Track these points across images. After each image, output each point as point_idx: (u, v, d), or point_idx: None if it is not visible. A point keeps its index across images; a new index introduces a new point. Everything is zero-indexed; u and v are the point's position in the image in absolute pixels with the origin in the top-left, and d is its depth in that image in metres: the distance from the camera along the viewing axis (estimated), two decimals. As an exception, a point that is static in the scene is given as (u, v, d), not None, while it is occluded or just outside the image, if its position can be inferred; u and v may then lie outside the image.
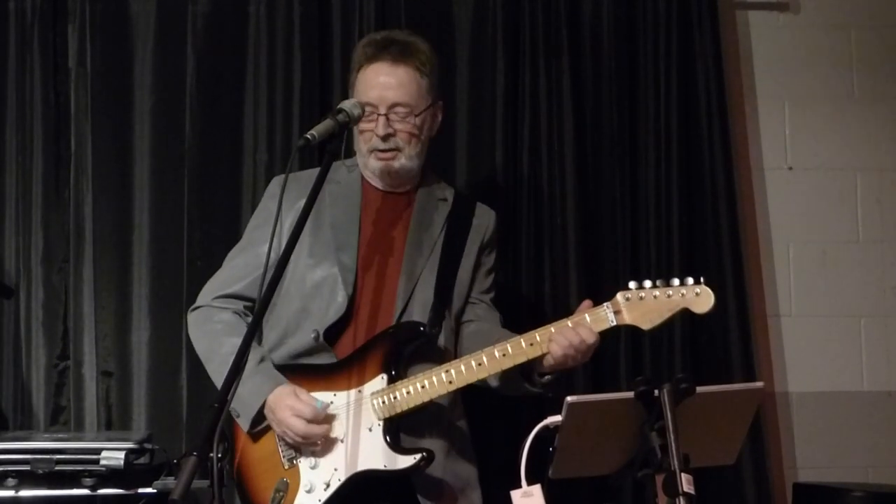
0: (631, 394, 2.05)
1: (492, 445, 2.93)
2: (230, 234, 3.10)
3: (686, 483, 1.93)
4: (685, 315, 2.40)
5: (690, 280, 2.37)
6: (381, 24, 3.26)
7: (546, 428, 2.14)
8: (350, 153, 2.69)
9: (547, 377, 2.46)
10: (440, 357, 2.51)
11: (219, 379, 2.49)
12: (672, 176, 3.35)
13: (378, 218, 2.60)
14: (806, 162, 3.56)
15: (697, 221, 3.37)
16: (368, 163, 2.57)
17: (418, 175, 2.64)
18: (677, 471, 1.94)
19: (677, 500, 1.92)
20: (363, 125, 2.53)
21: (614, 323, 2.40)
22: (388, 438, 2.39)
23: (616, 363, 3.28)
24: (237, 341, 2.22)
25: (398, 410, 2.40)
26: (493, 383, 2.53)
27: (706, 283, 2.37)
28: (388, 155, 2.54)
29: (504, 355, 2.40)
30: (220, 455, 2.37)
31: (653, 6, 3.40)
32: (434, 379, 2.40)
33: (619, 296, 2.40)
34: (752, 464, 3.28)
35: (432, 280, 2.55)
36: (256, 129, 3.29)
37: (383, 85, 2.50)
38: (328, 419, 2.40)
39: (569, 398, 2.08)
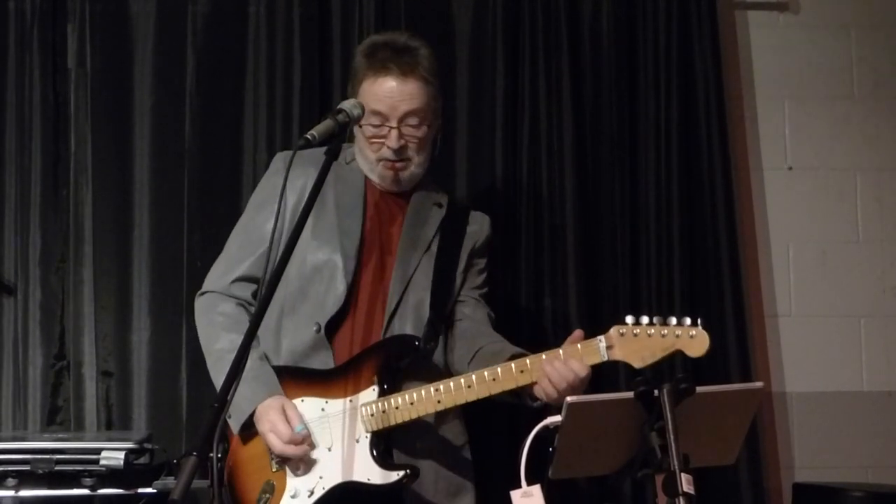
0: (631, 394, 2.05)
1: (491, 445, 2.92)
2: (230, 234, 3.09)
3: (686, 483, 1.93)
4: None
5: (688, 320, 2.30)
6: (381, 24, 3.26)
7: (546, 428, 2.13)
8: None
9: (538, 402, 2.41)
10: (436, 373, 2.50)
11: (213, 374, 2.51)
12: (672, 176, 3.35)
13: (376, 213, 2.60)
14: (806, 162, 3.56)
15: (697, 222, 3.37)
16: (376, 169, 2.56)
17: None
18: (677, 471, 1.94)
19: (677, 500, 1.92)
20: (370, 132, 2.51)
21: (606, 358, 2.35)
22: (374, 452, 2.37)
23: (616, 363, 3.27)
24: (235, 337, 2.22)
25: (386, 424, 2.38)
26: None
27: (703, 327, 2.28)
28: (399, 165, 2.54)
29: (494, 380, 2.36)
30: (219, 455, 2.39)
31: (652, 6, 3.40)
32: (424, 395, 2.38)
33: (614, 330, 2.33)
34: (751, 464, 3.28)
35: (425, 284, 2.55)
36: (256, 129, 3.29)
37: (393, 98, 2.48)
38: (308, 441, 2.37)
39: (569, 398, 2.08)
